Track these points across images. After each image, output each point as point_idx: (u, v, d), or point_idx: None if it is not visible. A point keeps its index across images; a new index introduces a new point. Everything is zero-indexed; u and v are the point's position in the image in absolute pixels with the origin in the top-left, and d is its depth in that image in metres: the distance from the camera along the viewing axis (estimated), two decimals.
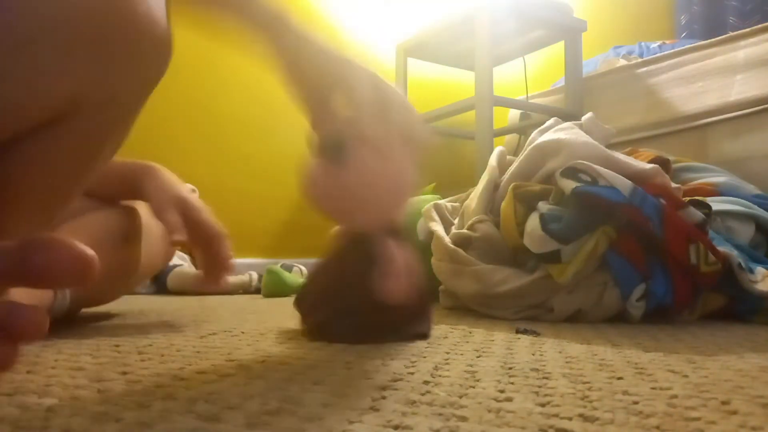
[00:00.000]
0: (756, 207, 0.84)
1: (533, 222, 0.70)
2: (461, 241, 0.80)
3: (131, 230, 0.71)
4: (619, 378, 0.36)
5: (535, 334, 0.57)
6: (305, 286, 0.59)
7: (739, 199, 0.86)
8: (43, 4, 0.28)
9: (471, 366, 0.40)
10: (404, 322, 0.53)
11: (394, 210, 0.47)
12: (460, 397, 0.31)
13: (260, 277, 1.33)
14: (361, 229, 0.47)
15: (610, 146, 0.80)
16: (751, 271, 0.71)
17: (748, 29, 1.19)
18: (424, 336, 0.54)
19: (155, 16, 0.32)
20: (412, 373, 0.37)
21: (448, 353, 0.45)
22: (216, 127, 1.64)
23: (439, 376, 0.36)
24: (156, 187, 0.66)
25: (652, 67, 1.34)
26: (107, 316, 0.76)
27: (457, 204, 0.97)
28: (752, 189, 0.92)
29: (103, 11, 0.29)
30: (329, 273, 0.54)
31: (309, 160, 0.45)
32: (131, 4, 0.30)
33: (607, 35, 2.10)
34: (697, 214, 0.68)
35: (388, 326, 0.51)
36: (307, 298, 0.56)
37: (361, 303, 0.49)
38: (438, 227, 0.87)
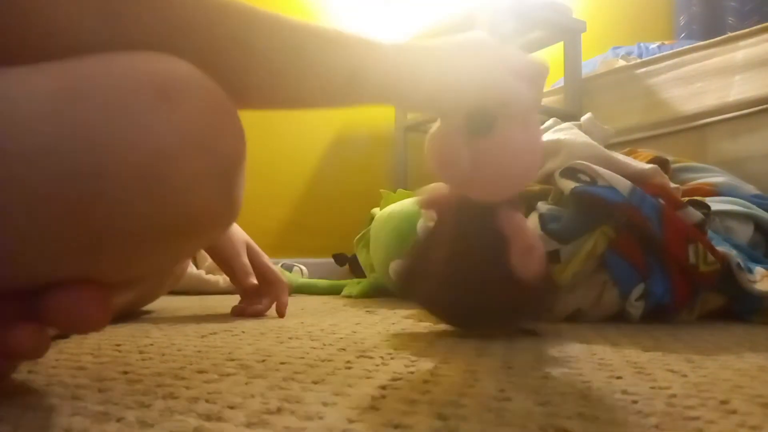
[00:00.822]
0: (755, 207, 0.85)
1: (532, 222, 0.70)
2: None
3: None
4: (619, 377, 0.36)
5: (535, 333, 0.57)
6: (422, 260, 0.52)
7: (738, 199, 0.86)
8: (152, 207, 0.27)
9: (471, 365, 0.40)
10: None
11: (527, 181, 0.45)
12: (460, 396, 0.31)
13: None
14: (488, 200, 0.45)
15: (609, 146, 0.80)
16: (750, 271, 0.71)
17: (746, 30, 1.19)
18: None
19: (234, 212, 0.31)
20: (412, 373, 0.37)
21: (448, 353, 0.45)
22: None
23: (439, 375, 0.36)
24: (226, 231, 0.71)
25: (651, 67, 1.34)
26: None
27: None
28: (751, 189, 0.92)
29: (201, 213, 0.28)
30: (454, 247, 0.48)
31: (441, 131, 0.43)
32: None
33: (606, 36, 2.10)
34: (696, 214, 0.68)
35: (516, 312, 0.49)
36: (434, 276, 0.50)
37: (501, 286, 0.47)
38: None
